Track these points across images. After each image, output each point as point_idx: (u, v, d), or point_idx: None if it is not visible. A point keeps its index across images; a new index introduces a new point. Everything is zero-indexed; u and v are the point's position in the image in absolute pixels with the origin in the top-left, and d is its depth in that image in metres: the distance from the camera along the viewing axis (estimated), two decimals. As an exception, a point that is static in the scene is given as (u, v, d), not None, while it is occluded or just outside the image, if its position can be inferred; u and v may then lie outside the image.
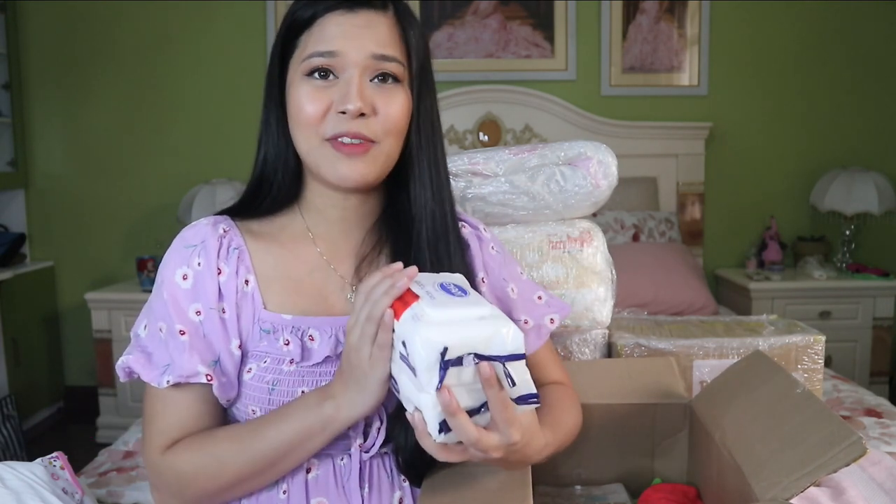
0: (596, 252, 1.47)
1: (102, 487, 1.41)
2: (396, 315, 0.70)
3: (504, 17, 3.27)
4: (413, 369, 0.67)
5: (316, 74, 0.83)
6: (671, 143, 3.20)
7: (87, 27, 3.28)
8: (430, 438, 0.68)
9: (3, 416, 2.71)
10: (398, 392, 0.73)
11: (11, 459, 1.45)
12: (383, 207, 0.94)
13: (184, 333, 0.82)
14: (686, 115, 3.24)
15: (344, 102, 0.80)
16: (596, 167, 1.43)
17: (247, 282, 0.86)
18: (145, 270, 2.99)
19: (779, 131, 3.27)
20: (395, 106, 0.83)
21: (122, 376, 0.86)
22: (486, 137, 3.25)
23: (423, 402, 0.67)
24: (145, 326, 0.85)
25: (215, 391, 0.83)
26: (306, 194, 0.92)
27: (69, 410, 3.37)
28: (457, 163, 1.42)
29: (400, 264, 0.75)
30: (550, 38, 3.27)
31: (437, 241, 0.89)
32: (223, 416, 0.88)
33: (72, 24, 3.27)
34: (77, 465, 1.29)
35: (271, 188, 0.91)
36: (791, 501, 0.76)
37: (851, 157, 3.24)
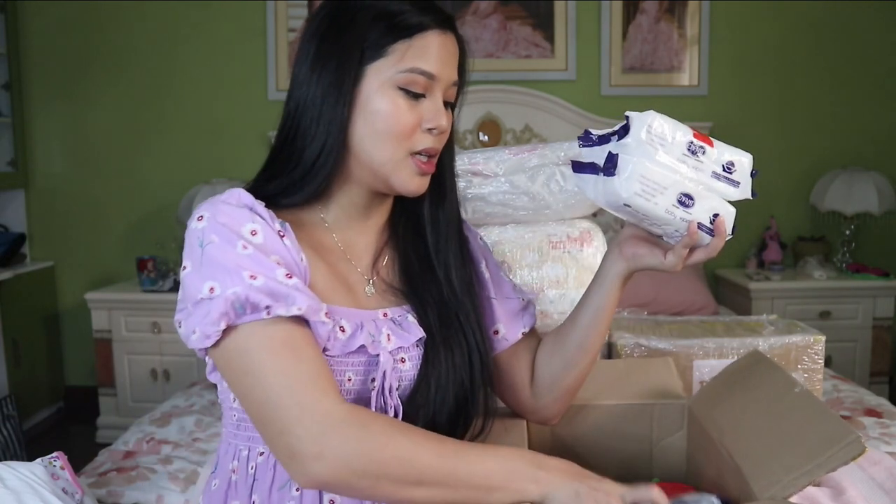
0: (596, 252, 1.47)
1: (102, 487, 1.41)
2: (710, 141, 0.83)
3: (504, 17, 3.27)
4: (737, 183, 0.84)
5: (411, 90, 0.84)
6: (671, 143, 3.19)
7: (88, 27, 3.28)
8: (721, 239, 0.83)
9: (3, 416, 2.71)
10: (688, 208, 0.81)
11: (11, 459, 1.45)
12: (393, 205, 0.97)
13: (290, 276, 0.77)
14: (686, 115, 3.22)
15: (435, 121, 0.85)
16: (596, 167, 1.43)
17: (301, 259, 0.82)
18: (145, 270, 2.99)
19: (778, 131, 3.27)
20: (450, 126, 0.91)
21: (214, 316, 0.73)
22: (486, 137, 3.25)
23: (729, 208, 0.84)
24: (213, 288, 0.74)
25: (323, 334, 0.78)
26: (332, 189, 0.90)
27: (69, 410, 3.37)
28: (457, 163, 1.42)
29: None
30: (550, 38, 3.27)
31: (449, 239, 0.95)
32: None
33: (72, 24, 3.27)
34: (77, 465, 1.29)
35: (306, 186, 0.86)
36: (791, 501, 0.76)
37: (851, 157, 3.24)
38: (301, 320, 0.77)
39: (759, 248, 3.21)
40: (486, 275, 1.00)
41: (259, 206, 0.82)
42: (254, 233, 0.78)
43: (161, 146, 3.33)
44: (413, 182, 0.87)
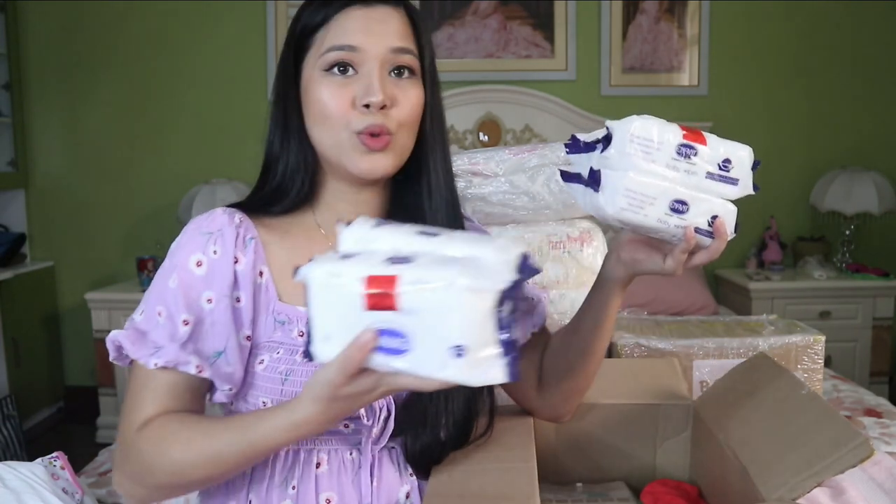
0: (596, 252, 1.47)
1: (102, 487, 1.41)
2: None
3: (504, 17, 3.27)
4: (735, 180, 0.79)
5: (336, 69, 0.84)
6: (671, 143, 3.19)
7: (88, 27, 3.28)
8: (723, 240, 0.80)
9: (3, 416, 2.71)
10: (683, 214, 0.77)
11: (11, 459, 1.45)
12: (390, 201, 0.95)
13: (187, 324, 0.81)
14: (686, 115, 3.24)
15: (367, 96, 0.82)
16: (596, 167, 1.43)
17: (261, 273, 0.86)
18: (145, 270, 2.99)
19: (779, 131, 3.27)
20: (411, 98, 0.86)
21: (111, 351, 0.84)
22: (486, 137, 3.25)
23: (729, 207, 0.80)
24: (142, 312, 0.84)
25: (209, 376, 0.82)
26: (318, 191, 0.92)
27: (69, 410, 3.37)
28: (457, 163, 1.42)
29: None
30: (550, 38, 3.27)
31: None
32: (203, 403, 0.87)
33: (72, 24, 3.27)
34: (77, 465, 1.29)
35: (288, 194, 0.90)
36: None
37: (851, 157, 3.24)
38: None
39: (759, 248, 3.21)
40: None
41: (230, 225, 0.85)
42: (199, 264, 0.83)
43: (161, 146, 3.33)
44: (362, 162, 0.84)
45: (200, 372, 0.81)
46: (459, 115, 3.22)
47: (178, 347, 0.81)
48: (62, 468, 1.16)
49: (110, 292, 3.01)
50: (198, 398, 0.85)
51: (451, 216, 0.92)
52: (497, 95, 3.22)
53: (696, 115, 3.23)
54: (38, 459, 1.16)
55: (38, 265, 3.27)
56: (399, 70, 0.85)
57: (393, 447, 0.87)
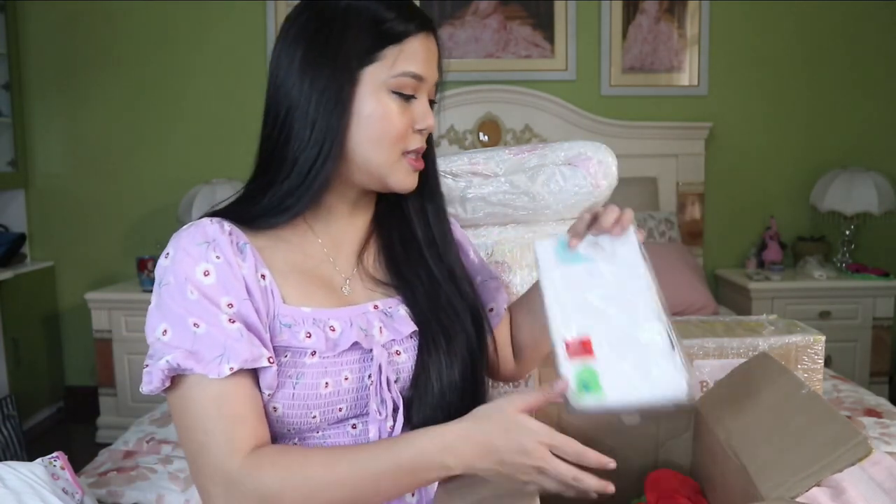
0: (596, 252, 1.47)
1: (102, 487, 1.41)
2: None
3: (504, 17, 3.27)
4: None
5: (403, 93, 0.87)
6: (671, 143, 3.20)
7: (87, 27, 3.28)
8: None
9: (3, 416, 2.71)
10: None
11: (11, 459, 1.45)
12: (377, 203, 1.00)
13: (233, 322, 0.79)
14: (686, 115, 3.24)
15: (425, 121, 0.89)
16: (596, 167, 1.43)
17: (263, 276, 0.85)
18: (145, 270, 2.99)
19: (779, 131, 3.27)
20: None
21: (155, 383, 0.78)
22: (486, 137, 3.25)
23: None
24: (165, 331, 0.79)
25: (267, 380, 0.80)
26: (322, 195, 0.91)
27: (69, 410, 3.37)
28: (457, 163, 1.42)
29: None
30: (550, 38, 3.27)
31: (438, 230, 0.98)
32: None
33: (72, 24, 3.27)
34: (77, 465, 1.29)
35: (298, 202, 0.87)
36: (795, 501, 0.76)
37: (851, 157, 3.24)
38: (238, 371, 0.78)
39: (759, 248, 3.21)
40: (476, 260, 1.08)
41: (223, 234, 0.83)
42: (206, 273, 0.80)
43: (161, 146, 3.33)
44: (408, 180, 0.91)
45: (272, 363, 0.80)
46: (459, 115, 3.22)
47: (243, 346, 0.78)
48: (62, 468, 1.16)
49: (110, 292, 3.01)
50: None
51: (445, 218, 1.00)
52: (497, 95, 3.22)
53: (695, 115, 3.23)
54: (38, 459, 1.16)
55: (38, 265, 3.27)
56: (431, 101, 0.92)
57: None
